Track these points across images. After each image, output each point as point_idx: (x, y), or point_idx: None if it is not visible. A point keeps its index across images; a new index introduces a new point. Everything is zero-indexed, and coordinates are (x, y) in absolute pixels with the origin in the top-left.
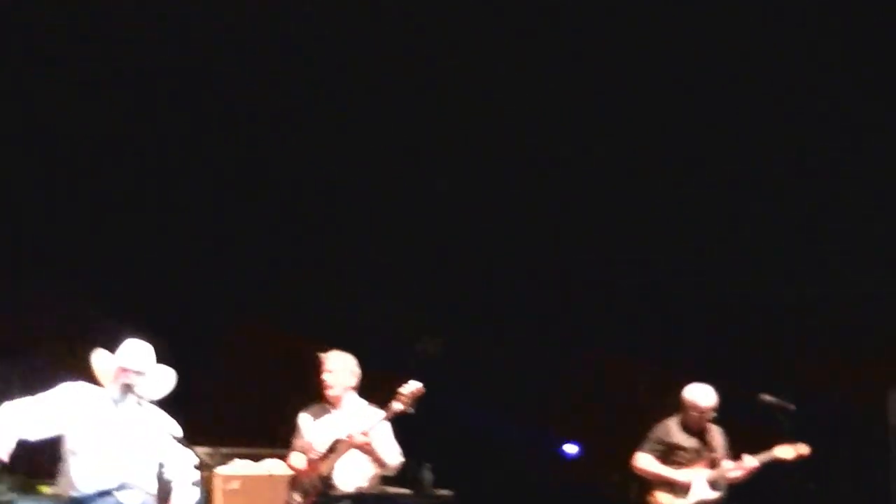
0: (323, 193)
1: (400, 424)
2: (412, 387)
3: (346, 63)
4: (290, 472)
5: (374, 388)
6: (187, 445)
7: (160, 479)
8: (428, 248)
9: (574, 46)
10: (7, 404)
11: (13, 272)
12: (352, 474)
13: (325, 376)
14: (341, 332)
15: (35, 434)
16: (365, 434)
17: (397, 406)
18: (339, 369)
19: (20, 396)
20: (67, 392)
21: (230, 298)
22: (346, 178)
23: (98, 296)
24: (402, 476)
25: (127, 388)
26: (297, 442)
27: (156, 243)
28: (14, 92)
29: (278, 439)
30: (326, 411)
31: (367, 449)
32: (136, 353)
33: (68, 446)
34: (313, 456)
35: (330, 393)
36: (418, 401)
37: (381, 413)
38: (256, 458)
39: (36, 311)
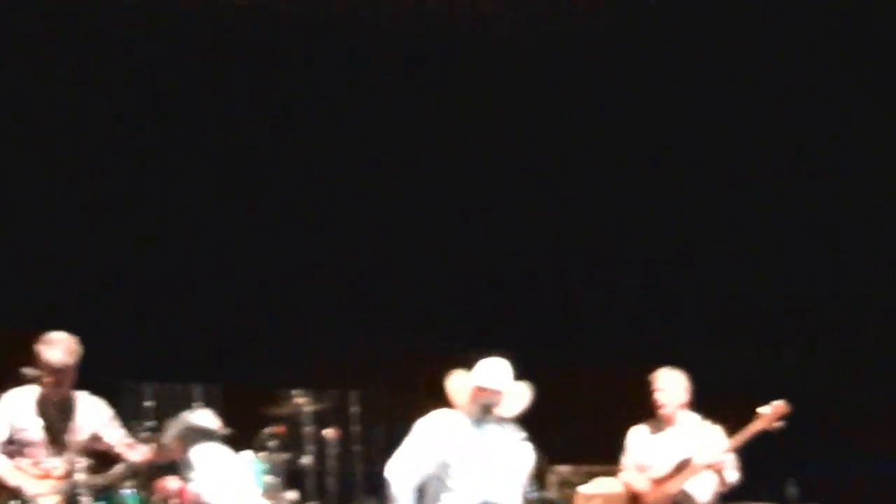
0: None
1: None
2: (775, 405)
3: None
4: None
5: (725, 408)
6: (549, 464)
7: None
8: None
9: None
10: (393, 468)
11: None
12: (695, 491)
13: (658, 394)
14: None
15: (421, 478)
16: (723, 453)
17: (758, 426)
18: (671, 387)
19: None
20: (429, 427)
21: (588, 320)
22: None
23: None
24: (764, 490)
25: (486, 408)
26: (627, 460)
27: (510, 268)
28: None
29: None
30: (660, 429)
31: (717, 468)
32: (494, 371)
33: (433, 470)
34: (655, 475)
35: (663, 411)
36: (782, 419)
37: (718, 428)
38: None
39: (386, 343)
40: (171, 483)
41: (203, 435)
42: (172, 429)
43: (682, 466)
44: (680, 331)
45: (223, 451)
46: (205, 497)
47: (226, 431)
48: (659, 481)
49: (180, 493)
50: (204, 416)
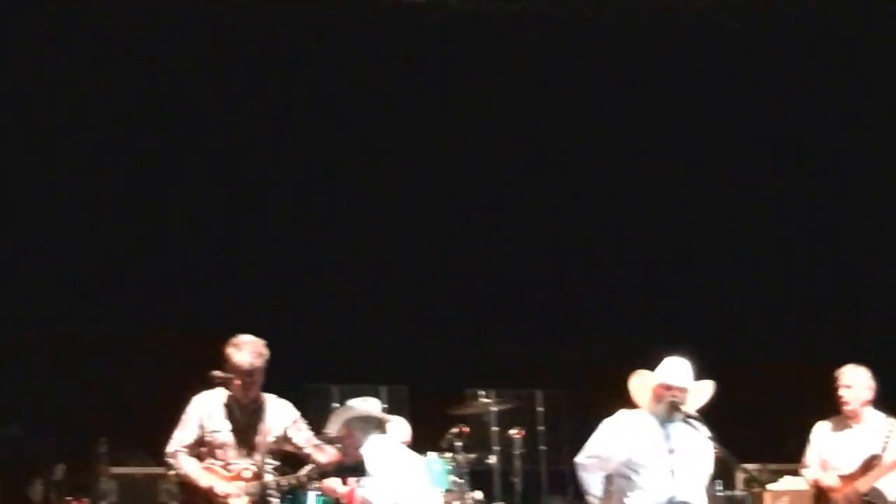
0: None
1: None
2: None
3: None
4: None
5: None
6: (737, 462)
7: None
8: None
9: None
10: (583, 458)
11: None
12: (886, 489)
13: (842, 391)
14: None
15: (608, 472)
16: None
17: None
18: (856, 384)
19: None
20: (615, 426)
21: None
22: None
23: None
24: None
25: (672, 406)
26: (810, 456)
27: (688, 268)
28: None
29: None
30: (846, 426)
31: None
32: (678, 369)
33: (620, 468)
34: (843, 472)
35: (847, 408)
36: None
37: None
38: None
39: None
40: (336, 484)
41: (369, 423)
42: (338, 416)
43: (870, 464)
44: (865, 327)
45: (397, 450)
46: (375, 502)
47: (390, 420)
48: (848, 478)
49: (349, 497)
50: (369, 403)
